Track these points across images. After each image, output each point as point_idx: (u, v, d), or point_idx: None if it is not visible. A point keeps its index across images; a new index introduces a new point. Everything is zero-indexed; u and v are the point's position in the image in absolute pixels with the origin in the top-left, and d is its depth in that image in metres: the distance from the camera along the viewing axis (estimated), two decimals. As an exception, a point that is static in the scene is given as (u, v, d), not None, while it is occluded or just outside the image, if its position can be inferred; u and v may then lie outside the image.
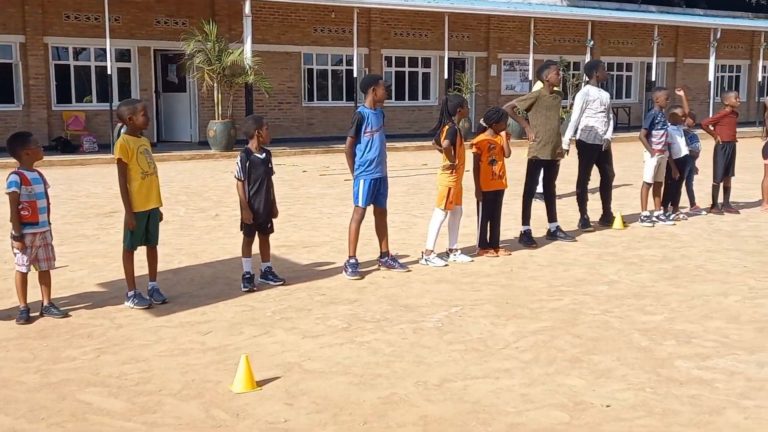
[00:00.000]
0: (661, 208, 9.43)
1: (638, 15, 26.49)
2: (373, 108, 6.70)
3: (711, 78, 26.02)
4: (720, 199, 10.12)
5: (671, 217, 9.47)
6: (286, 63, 20.46)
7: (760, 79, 28.68)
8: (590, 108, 8.78)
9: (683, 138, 9.51)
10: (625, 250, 7.83)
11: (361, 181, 6.67)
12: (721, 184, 10.10)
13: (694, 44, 28.18)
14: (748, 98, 29.47)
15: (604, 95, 8.96)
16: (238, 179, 6.29)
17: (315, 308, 5.78)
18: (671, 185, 9.56)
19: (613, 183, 9.29)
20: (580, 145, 8.94)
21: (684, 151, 9.47)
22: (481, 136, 7.54)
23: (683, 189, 9.84)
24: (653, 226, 9.12)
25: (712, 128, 10.12)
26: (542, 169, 8.19)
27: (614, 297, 6.09)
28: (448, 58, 22.00)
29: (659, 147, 9.10)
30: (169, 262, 7.21)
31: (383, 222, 6.95)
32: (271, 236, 6.63)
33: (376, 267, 7.02)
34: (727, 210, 10.07)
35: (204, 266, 7.17)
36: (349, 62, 21.12)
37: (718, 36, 25.85)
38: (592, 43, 23.58)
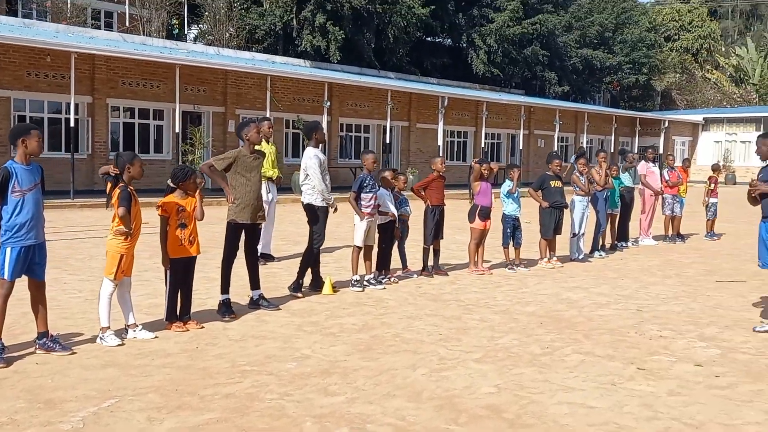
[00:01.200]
0: (373, 272, 9.28)
1: (373, 80, 27.56)
2: (24, 162, 5.71)
3: (440, 142, 27.60)
4: (430, 262, 10.25)
5: (383, 281, 9.37)
6: (-9, 108, 18.30)
7: (483, 144, 31.03)
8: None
9: (392, 203, 9.51)
10: (328, 319, 7.45)
11: (8, 249, 5.61)
12: (431, 247, 10.24)
13: (425, 110, 29.90)
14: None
15: (324, 157, 8.77)
16: None
17: (-77, 412, 4.60)
18: (383, 249, 9.49)
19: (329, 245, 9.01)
20: (311, 208, 8.56)
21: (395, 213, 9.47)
22: (170, 198, 6.82)
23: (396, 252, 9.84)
24: (363, 290, 8.91)
25: (422, 192, 10.27)
26: (242, 233, 7.63)
27: (300, 376, 5.59)
28: (183, 112, 21.07)
29: (368, 210, 8.98)
30: None
31: (41, 297, 5.91)
32: None
33: (32, 350, 5.94)
34: (436, 272, 10.21)
35: None
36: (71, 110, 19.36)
37: (446, 103, 27.59)
38: (328, 103, 23.97)
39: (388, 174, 9.55)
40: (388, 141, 26.64)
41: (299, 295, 8.39)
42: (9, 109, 18.72)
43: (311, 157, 8.39)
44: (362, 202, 8.95)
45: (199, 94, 22.66)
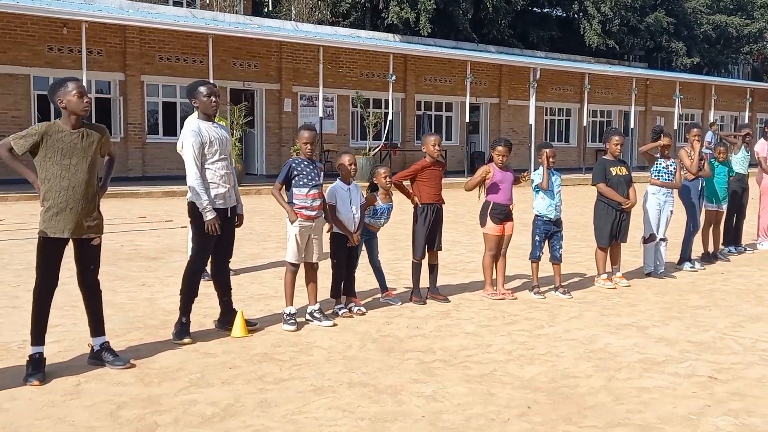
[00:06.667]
0: (319, 302, 6.47)
1: (448, 50, 24.28)
2: None
3: (532, 120, 23.99)
4: (425, 282, 7.31)
5: (340, 313, 6.58)
6: (9, 87, 16.74)
7: (585, 123, 27.08)
8: (206, 153, 5.75)
9: (356, 205, 6.60)
10: (180, 393, 4.71)
11: None
12: (424, 262, 7.28)
13: (519, 85, 26.35)
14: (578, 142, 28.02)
15: (223, 133, 5.94)
16: None
17: None
18: (337, 265, 6.65)
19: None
20: (193, 208, 5.83)
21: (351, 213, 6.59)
22: None
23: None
24: (297, 329, 6.12)
25: (407, 186, 7.30)
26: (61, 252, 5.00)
27: None
28: (230, 89, 18.92)
29: (305, 212, 6.14)
30: None
31: None
32: None
33: None
34: (433, 296, 7.26)
35: None
36: (100, 89, 17.70)
37: (538, 76, 23.90)
38: (393, 77, 21.01)
39: (346, 159, 6.65)
40: (468, 120, 23.39)
41: (186, 341, 5.69)
42: (29, 87, 17.11)
43: (187, 134, 5.65)
44: (295, 201, 6.14)
45: (249, 69, 20.40)
